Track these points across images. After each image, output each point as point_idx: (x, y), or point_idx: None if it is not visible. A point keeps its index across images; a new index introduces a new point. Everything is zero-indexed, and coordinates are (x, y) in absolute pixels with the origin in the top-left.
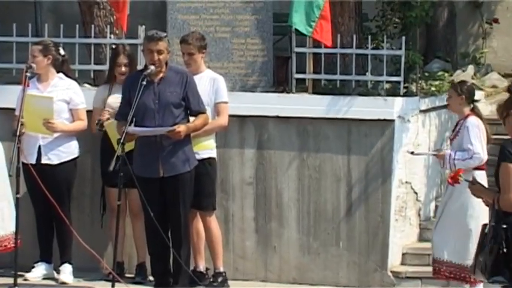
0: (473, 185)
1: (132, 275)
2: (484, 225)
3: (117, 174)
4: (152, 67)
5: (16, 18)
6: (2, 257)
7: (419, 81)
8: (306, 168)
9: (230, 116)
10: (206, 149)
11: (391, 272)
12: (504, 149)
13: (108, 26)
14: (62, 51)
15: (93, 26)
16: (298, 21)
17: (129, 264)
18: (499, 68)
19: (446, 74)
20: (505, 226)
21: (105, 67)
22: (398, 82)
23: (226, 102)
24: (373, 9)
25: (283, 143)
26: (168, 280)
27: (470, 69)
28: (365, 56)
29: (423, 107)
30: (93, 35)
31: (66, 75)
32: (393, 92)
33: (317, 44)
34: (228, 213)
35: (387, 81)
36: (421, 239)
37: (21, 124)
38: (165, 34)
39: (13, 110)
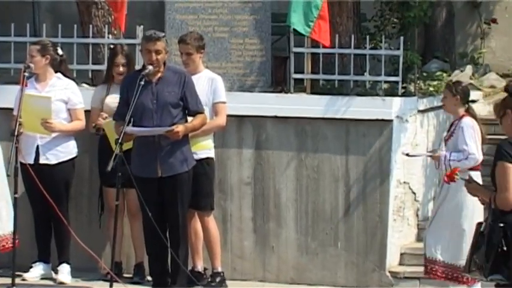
0: (470, 183)
1: (130, 275)
2: (479, 224)
3: (115, 174)
4: (150, 67)
5: (14, 18)
6: (0, 257)
7: (418, 81)
8: (304, 168)
9: (228, 116)
10: (204, 149)
11: (389, 272)
12: (501, 149)
13: (106, 26)
14: (60, 51)
15: (91, 26)
16: (297, 21)
17: (127, 264)
18: (497, 68)
19: (444, 74)
20: (502, 225)
21: (103, 67)
22: (397, 82)
23: (224, 102)
24: (371, 9)
25: (281, 143)
26: (166, 280)
27: (469, 69)
28: (363, 56)
29: (421, 107)
30: (91, 35)
31: (64, 75)
32: (391, 92)
33: (315, 44)
34: (226, 213)
35: (385, 81)
36: (419, 239)
37: (19, 124)
38: (163, 34)
39: (11, 109)
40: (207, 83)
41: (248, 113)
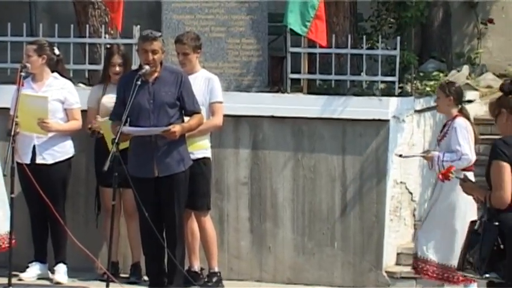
0: (465, 182)
1: (127, 275)
2: (473, 223)
3: (111, 174)
4: (147, 67)
5: (11, 18)
6: None
7: (414, 81)
8: (300, 168)
9: (225, 116)
10: (201, 149)
11: (386, 272)
12: (496, 148)
13: (103, 26)
14: (56, 51)
15: (87, 25)
16: (293, 21)
17: (124, 264)
18: (494, 68)
19: (441, 74)
20: (497, 223)
21: (100, 67)
22: (393, 82)
23: (221, 102)
24: (368, 9)
25: (278, 143)
26: (162, 280)
27: (465, 69)
28: (360, 56)
29: (418, 107)
30: (87, 34)
31: (61, 75)
32: (388, 92)
33: (312, 44)
34: (222, 213)
35: (382, 81)
36: None
37: (16, 124)
38: (159, 34)
39: (8, 109)
40: (203, 83)
41: (245, 113)
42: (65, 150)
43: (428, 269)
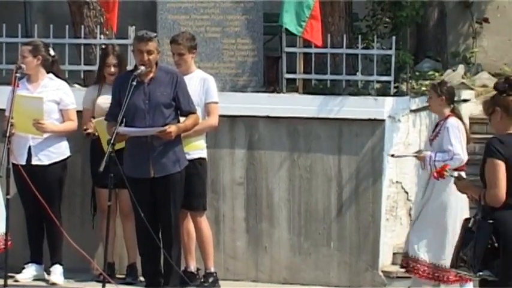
0: (459, 180)
1: (123, 276)
2: (467, 220)
3: (107, 175)
4: (142, 67)
5: (6, 18)
6: None
7: (410, 81)
8: (296, 168)
9: (220, 116)
10: (196, 149)
11: (382, 271)
12: (490, 145)
13: (98, 27)
14: (52, 52)
15: (83, 26)
16: (289, 21)
17: (120, 265)
18: (489, 68)
19: (436, 74)
20: (491, 221)
21: (95, 68)
22: (389, 82)
23: (216, 103)
24: (363, 9)
25: (273, 143)
26: (158, 281)
27: (461, 68)
28: (355, 56)
29: (414, 107)
30: (83, 35)
31: (56, 76)
32: (384, 92)
33: (307, 43)
34: (218, 214)
35: (377, 81)
36: None
37: (11, 125)
38: (155, 34)
39: (3, 110)
40: (199, 83)
41: (240, 113)
42: (61, 151)
43: (419, 268)
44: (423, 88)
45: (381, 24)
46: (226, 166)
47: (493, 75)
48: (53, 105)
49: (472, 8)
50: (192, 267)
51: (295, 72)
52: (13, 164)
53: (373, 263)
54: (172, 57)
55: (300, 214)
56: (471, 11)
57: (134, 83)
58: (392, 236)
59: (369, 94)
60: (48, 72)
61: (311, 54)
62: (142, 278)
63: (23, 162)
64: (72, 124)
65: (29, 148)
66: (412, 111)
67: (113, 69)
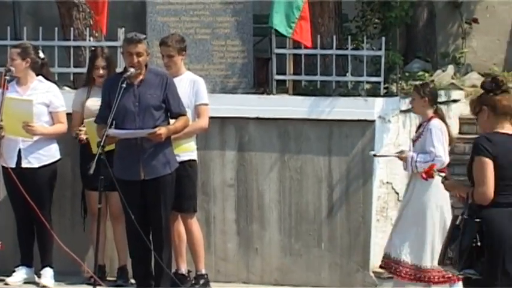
0: (446, 180)
1: (114, 278)
2: (455, 217)
3: (97, 178)
4: (132, 69)
5: None
6: None
7: (400, 82)
8: (287, 169)
9: (210, 118)
10: (187, 151)
11: (373, 272)
12: (478, 144)
13: (88, 29)
14: (41, 54)
15: (72, 28)
16: (279, 22)
17: (111, 267)
18: (478, 68)
19: (426, 74)
20: (478, 220)
21: (85, 70)
22: (379, 82)
23: (206, 104)
24: (352, 9)
25: (264, 144)
26: (149, 283)
27: (450, 69)
28: (345, 57)
29: (404, 107)
30: (72, 37)
31: (46, 78)
32: (373, 93)
33: (297, 45)
34: (209, 216)
35: (367, 82)
36: None
37: (1, 127)
38: (144, 36)
39: None
40: (189, 85)
41: (230, 115)
42: (51, 153)
43: (401, 270)
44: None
45: (370, 25)
46: (216, 168)
47: (482, 76)
48: (42, 108)
49: (462, 9)
50: (183, 269)
51: (285, 74)
52: (3, 166)
53: (364, 263)
54: (162, 59)
55: (291, 215)
56: (460, 12)
57: (124, 85)
58: (383, 236)
59: (359, 95)
60: (37, 75)
61: (301, 55)
62: (133, 281)
63: (13, 165)
64: (62, 127)
65: (19, 151)
66: (402, 111)
67: (101, 71)
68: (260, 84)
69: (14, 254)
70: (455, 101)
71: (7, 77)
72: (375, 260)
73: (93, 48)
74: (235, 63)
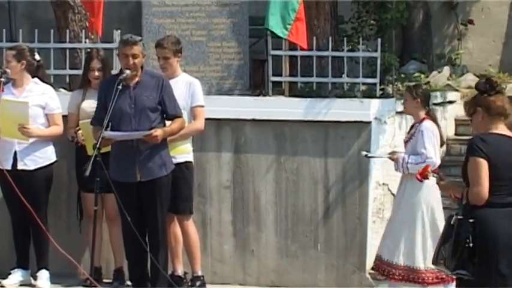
0: (441, 180)
1: (110, 280)
2: (450, 217)
3: (93, 179)
4: (127, 71)
5: None
6: None
7: (396, 83)
8: (283, 171)
9: (206, 119)
10: (183, 153)
11: (369, 273)
12: (473, 144)
13: (83, 31)
14: (37, 57)
15: (68, 30)
16: (275, 24)
17: (107, 269)
18: (474, 69)
19: (422, 76)
20: (472, 220)
21: (81, 72)
22: (375, 84)
23: (202, 106)
24: (348, 11)
25: (260, 146)
26: (146, 285)
27: (446, 70)
28: (341, 58)
29: (399, 109)
30: (68, 39)
31: (42, 80)
32: (369, 94)
33: (293, 46)
34: (205, 217)
35: (363, 83)
36: None
37: None
38: (140, 38)
39: None
40: (185, 86)
41: (226, 117)
42: (47, 155)
43: (394, 273)
44: None
45: (366, 27)
46: (212, 170)
47: (478, 77)
48: (38, 110)
49: (457, 10)
50: (179, 271)
51: (281, 75)
52: None
53: (360, 265)
54: (158, 61)
55: (287, 217)
56: (456, 13)
57: (120, 87)
58: (379, 238)
59: (355, 96)
60: (33, 77)
61: (297, 57)
62: (129, 282)
63: (9, 167)
64: (57, 129)
65: (15, 153)
66: (398, 113)
67: (97, 73)
68: (256, 85)
69: (9, 256)
70: (451, 102)
71: (3, 79)
72: (371, 262)
73: (88, 50)
74: (231, 65)
